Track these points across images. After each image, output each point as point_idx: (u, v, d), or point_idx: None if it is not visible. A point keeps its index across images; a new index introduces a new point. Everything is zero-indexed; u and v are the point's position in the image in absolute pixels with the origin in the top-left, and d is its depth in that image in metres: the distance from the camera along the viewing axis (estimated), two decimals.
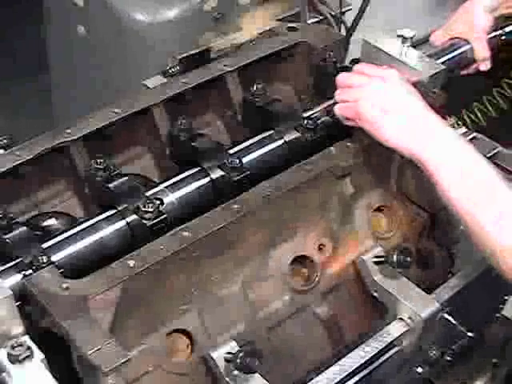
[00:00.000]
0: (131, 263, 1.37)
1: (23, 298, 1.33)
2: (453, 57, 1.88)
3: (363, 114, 1.53)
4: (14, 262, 1.37)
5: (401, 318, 1.60)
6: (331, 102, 1.71)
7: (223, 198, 1.53)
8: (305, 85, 1.90)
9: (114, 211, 1.49)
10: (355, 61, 1.78)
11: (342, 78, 1.63)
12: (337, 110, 1.62)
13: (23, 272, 1.35)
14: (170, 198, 1.54)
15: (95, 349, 1.23)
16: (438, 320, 1.64)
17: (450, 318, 1.70)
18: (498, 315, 1.84)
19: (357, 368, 1.51)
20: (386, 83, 1.55)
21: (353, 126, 1.65)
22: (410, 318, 1.59)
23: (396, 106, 1.51)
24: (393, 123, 1.50)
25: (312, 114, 1.70)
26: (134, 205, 1.47)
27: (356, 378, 1.51)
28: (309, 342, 1.66)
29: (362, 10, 2.48)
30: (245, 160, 1.61)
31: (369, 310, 1.71)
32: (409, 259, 1.63)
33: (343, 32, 2.51)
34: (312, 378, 1.47)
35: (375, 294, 1.66)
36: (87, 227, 1.47)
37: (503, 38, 1.97)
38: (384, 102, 1.52)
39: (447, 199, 1.44)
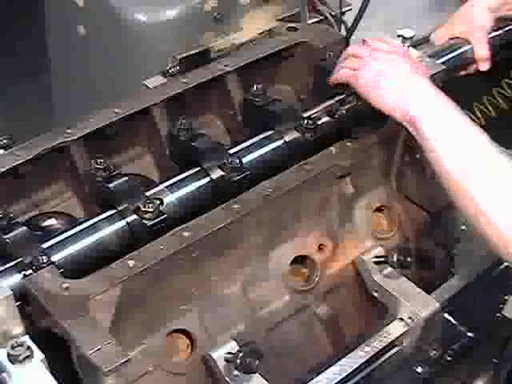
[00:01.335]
0: (131, 263, 1.38)
1: (23, 298, 1.32)
2: (453, 57, 1.88)
3: (360, 78, 1.56)
4: (14, 262, 1.37)
5: (401, 318, 1.60)
6: (331, 101, 1.71)
7: (223, 198, 1.53)
8: (305, 85, 1.90)
9: (113, 211, 1.49)
10: None
11: (350, 48, 1.68)
12: (336, 71, 1.65)
13: (23, 272, 1.35)
14: (170, 198, 1.54)
15: (95, 349, 1.23)
16: (438, 320, 1.64)
17: (450, 317, 1.70)
18: (498, 315, 1.84)
19: (357, 368, 1.51)
20: (390, 55, 1.56)
21: (352, 127, 1.66)
22: (410, 317, 1.59)
23: (394, 73, 1.52)
24: (389, 87, 1.51)
25: (312, 114, 1.70)
26: (133, 205, 1.47)
27: (356, 378, 1.51)
28: (309, 342, 1.67)
29: (362, 10, 2.48)
30: (245, 160, 1.61)
31: (369, 309, 1.71)
32: (409, 259, 1.63)
33: (343, 32, 2.51)
34: (312, 378, 1.48)
35: (375, 294, 1.66)
36: (87, 227, 1.47)
37: (503, 38, 1.98)
38: (383, 68, 1.54)
39: (440, 168, 1.42)
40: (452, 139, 1.42)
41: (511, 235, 1.31)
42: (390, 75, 1.52)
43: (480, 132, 1.43)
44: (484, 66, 1.91)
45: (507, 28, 1.99)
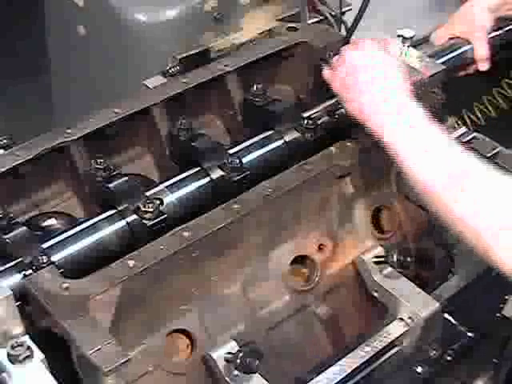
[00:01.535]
0: (131, 263, 1.38)
1: (23, 298, 1.33)
2: (453, 57, 1.88)
3: (335, 76, 1.52)
4: (14, 262, 1.37)
5: (401, 318, 1.60)
6: (331, 101, 1.71)
7: (223, 198, 1.53)
8: (305, 85, 1.91)
9: (113, 211, 1.49)
10: None
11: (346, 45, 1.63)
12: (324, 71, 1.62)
13: (23, 272, 1.35)
14: (170, 198, 1.54)
15: (95, 349, 1.23)
16: (438, 320, 1.64)
17: (450, 317, 1.70)
18: (498, 315, 1.84)
19: (357, 368, 1.51)
20: (367, 52, 1.50)
21: (352, 127, 1.65)
22: (410, 317, 1.59)
23: (369, 75, 1.45)
24: (360, 91, 1.45)
25: (312, 114, 1.70)
26: (133, 205, 1.47)
27: (356, 378, 1.51)
28: (309, 342, 1.66)
29: (362, 10, 2.47)
30: (245, 160, 1.61)
31: (369, 309, 1.71)
32: (409, 259, 1.63)
33: (343, 32, 2.51)
34: (312, 378, 1.48)
35: (375, 294, 1.66)
36: (87, 227, 1.47)
37: (503, 38, 1.98)
38: (356, 68, 1.47)
39: (410, 178, 1.36)
40: (418, 149, 1.35)
41: (489, 238, 1.24)
42: (362, 77, 1.45)
43: (448, 136, 1.35)
44: (484, 66, 1.91)
45: (507, 28, 1.99)
